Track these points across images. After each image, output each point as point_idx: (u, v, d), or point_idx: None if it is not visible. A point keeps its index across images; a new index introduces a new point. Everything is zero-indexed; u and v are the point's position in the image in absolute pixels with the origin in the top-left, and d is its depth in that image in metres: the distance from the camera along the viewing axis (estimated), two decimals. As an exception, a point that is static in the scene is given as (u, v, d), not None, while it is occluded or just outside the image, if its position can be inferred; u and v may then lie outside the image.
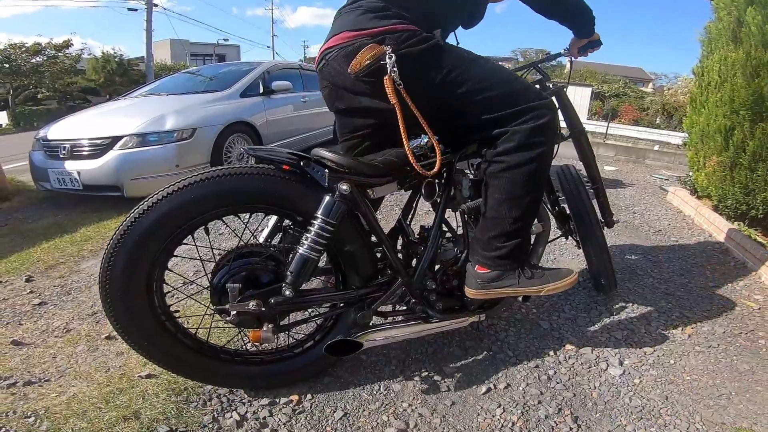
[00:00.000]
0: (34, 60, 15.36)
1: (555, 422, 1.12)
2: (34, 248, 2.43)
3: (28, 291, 1.90)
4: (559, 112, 1.49)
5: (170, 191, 1.00)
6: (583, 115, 11.16)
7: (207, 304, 1.21)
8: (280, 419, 1.13)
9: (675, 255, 2.28)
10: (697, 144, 2.84)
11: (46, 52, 15.63)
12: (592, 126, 11.56)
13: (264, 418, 1.13)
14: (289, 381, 1.24)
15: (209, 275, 1.15)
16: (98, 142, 2.98)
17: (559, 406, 1.17)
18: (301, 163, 1.05)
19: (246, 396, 1.20)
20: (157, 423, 1.08)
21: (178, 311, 1.21)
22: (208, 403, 1.17)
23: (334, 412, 1.15)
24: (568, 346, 1.44)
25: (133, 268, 1.01)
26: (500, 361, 1.37)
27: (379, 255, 1.22)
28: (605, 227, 1.70)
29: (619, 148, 7.67)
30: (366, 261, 1.18)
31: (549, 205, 1.59)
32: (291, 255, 1.08)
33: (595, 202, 1.67)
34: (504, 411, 1.16)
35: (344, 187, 1.05)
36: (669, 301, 1.76)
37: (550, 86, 1.59)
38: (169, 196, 0.99)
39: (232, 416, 1.12)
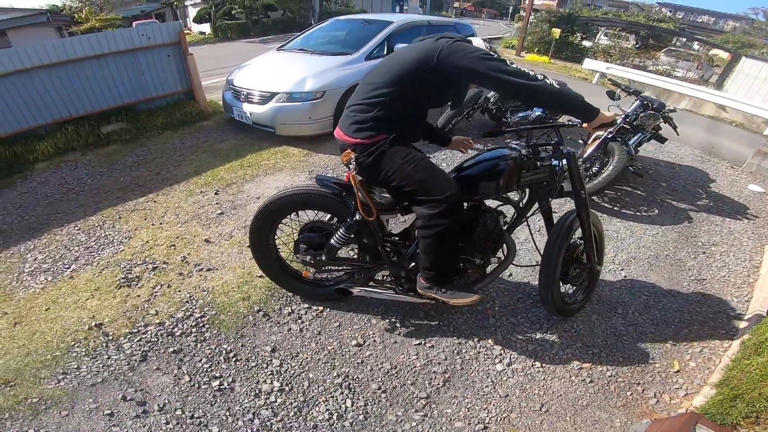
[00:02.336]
0: None
1: (435, 374, 1.96)
2: (220, 167, 3.92)
3: (215, 202, 3.31)
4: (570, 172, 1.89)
5: (280, 196, 2.00)
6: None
7: (290, 250, 2.28)
8: (309, 316, 2.24)
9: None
10: None
11: None
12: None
13: (302, 314, 2.25)
14: (321, 299, 2.32)
15: (294, 235, 2.20)
16: (263, 94, 4.28)
17: (446, 369, 1.99)
18: (343, 194, 1.93)
19: (298, 300, 2.33)
20: (255, 304, 2.30)
21: (279, 248, 2.31)
22: (281, 300, 2.34)
23: (334, 322, 2.21)
24: (490, 340, 2.14)
25: (262, 227, 2.09)
26: (441, 330, 2.19)
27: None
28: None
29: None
30: (373, 250, 2.07)
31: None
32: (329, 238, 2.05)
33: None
34: (417, 357, 2.04)
35: (357, 217, 1.91)
36: (605, 341, 2.18)
37: (564, 150, 1.93)
38: (280, 199, 2.01)
39: (288, 308, 2.28)
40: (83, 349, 1.99)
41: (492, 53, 1.60)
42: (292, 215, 2.11)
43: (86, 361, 1.93)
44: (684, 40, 15.66)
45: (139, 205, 3.29)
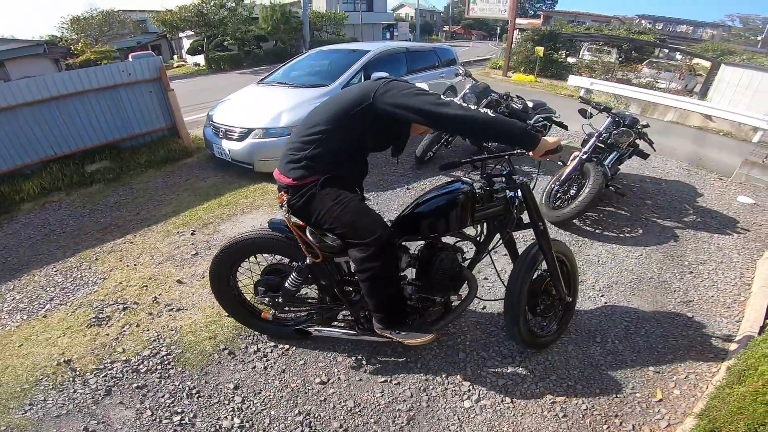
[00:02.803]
0: (220, 12, 18.07)
1: (400, 412, 1.89)
2: (199, 206, 3.93)
3: (191, 243, 3.31)
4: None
5: (233, 242, 2.00)
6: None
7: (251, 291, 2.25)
8: (275, 354, 2.20)
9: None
10: None
11: (228, 5, 18.25)
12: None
13: (268, 352, 2.21)
14: (283, 338, 2.27)
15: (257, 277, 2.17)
16: (240, 130, 4.32)
17: (411, 407, 1.92)
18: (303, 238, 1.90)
19: (265, 339, 2.28)
20: (221, 342, 2.26)
21: (242, 289, 2.28)
22: (247, 338, 2.29)
23: (300, 360, 2.16)
24: (459, 376, 2.07)
25: (220, 271, 2.09)
26: (408, 367, 2.13)
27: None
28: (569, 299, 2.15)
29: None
30: (330, 291, 2.03)
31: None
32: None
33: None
34: (381, 395, 1.98)
35: (308, 261, 1.88)
36: (582, 372, 2.09)
37: (517, 180, 1.88)
38: (233, 245, 2.00)
39: (254, 347, 2.24)
40: (51, 383, 2.05)
41: (426, 89, 1.60)
42: (252, 258, 2.11)
43: (53, 394, 1.99)
44: (666, 51, 15.94)
45: (117, 247, 3.31)
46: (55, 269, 3.03)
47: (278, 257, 2.20)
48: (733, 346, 2.26)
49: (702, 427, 1.67)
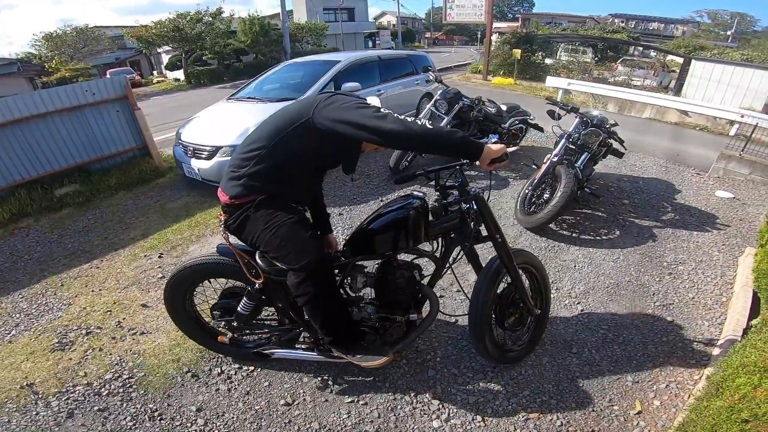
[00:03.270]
0: (197, 26, 17.87)
1: None
2: (168, 228, 3.82)
3: (158, 266, 3.20)
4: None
5: (182, 268, 1.91)
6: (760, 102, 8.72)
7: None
8: (239, 377, 2.12)
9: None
10: None
11: (205, 20, 18.09)
12: None
13: (232, 374, 2.13)
14: (244, 359, 2.18)
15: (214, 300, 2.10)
16: (208, 149, 4.22)
17: (378, 428, 1.84)
18: (244, 261, 1.80)
19: (229, 361, 2.20)
20: (185, 365, 2.18)
21: (200, 313, 2.19)
22: (211, 361, 2.21)
23: (264, 381, 2.08)
24: (428, 394, 1.99)
25: (174, 296, 2.00)
26: (375, 386, 2.04)
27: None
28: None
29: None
30: (286, 313, 1.95)
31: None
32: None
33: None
34: (348, 416, 1.90)
35: (257, 285, 1.80)
36: (557, 385, 2.03)
37: (470, 191, 1.80)
38: (182, 270, 1.91)
39: (217, 369, 2.16)
40: (14, 405, 2.05)
41: (366, 102, 1.54)
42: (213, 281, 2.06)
43: (16, 416, 1.99)
44: (640, 48, 16.19)
45: (83, 272, 3.22)
46: (21, 296, 2.97)
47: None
48: (715, 351, 2.20)
49: (676, 442, 1.61)
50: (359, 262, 1.88)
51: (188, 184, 4.78)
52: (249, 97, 5.05)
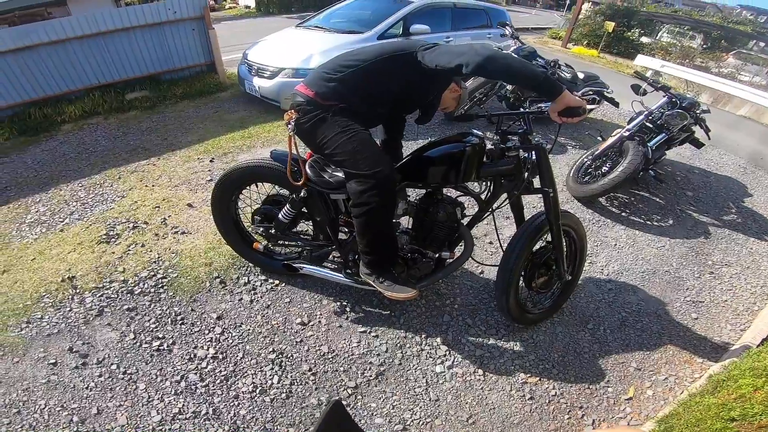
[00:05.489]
0: None
1: (371, 365, 1.89)
2: (222, 136, 4.00)
3: (207, 170, 3.38)
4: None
5: (234, 168, 2.00)
6: None
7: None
8: (264, 289, 2.24)
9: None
10: None
11: None
12: None
13: (257, 285, 2.26)
14: (271, 271, 2.30)
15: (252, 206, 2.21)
16: (271, 68, 4.30)
17: (383, 362, 1.92)
18: (294, 169, 1.87)
19: (258, 272, 2.33)
20: (215, 270, 2.33)
21: (240, 217, 2.31)
22: (241, 269, 2.35)
23: (286, 297, 2.20)
24: (439, 339, 2.03)
25: (221, 197, 2.11)
26: (390, 321, 2.11)
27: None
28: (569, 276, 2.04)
29: None
30: (323, 228, 2.02)
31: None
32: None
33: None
34: (357, 345, 1.99)
35: (302, 193, 1.86)
36: (563, 356, 2.01)
37: (533, 140, 1.74)
38: (234, 171, 2.01)
39: (245, 278, 2.29)
40: (51, 300, 2.11)
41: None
42: (261, 187, 2.13)
43: (50, 312, 2.05)
44: (762, 44, 14.03)
45: (140, 168, 3.44)
46: (80, 185, 3.18)
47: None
48: (726, 355, 2.10)
49: (654, 433, 1.56)
50: (403, 189, 1.89)
51: (248, 100, 4.93)
52: (316, 26, 5.01)
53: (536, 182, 1.82)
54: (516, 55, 4.32)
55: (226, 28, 10.35)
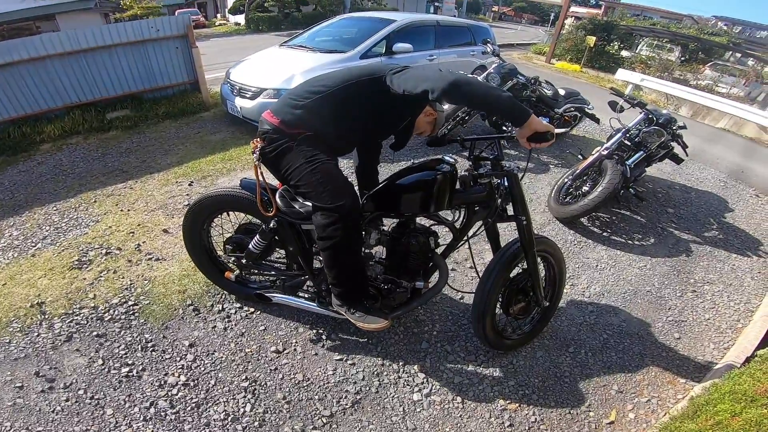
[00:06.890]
0: None
1: (347, 393, 1.84)
2: (203, 158, 3.95)
3: (186, 193, 3.33)
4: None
5: (204, 197, 1.96)
6: None
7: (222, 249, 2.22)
8: (238, 317, 2.19)
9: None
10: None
11: None
12: None
13: (232, 313, 2.20)
14: (245, 299, 2.24)
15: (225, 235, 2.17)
16: (253, 89, 4.27)
17: (359, 390, 1.86)
18: (265, 198, 1.83)
19: (232, 299, 2.27)
20: (189, 298, 2.27)
21: (213, 246, 2.26)
22: (215, 297, 2.29)
23: (261, 325, 2.14)
24: (416, 366, 1.98)
25: (192, 225, 2.07)
26: (367, 348, 2.06)
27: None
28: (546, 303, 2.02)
29: None
30: (295, 258, 1.97)
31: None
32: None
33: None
34: (333, 373, 1.93)
35: (272, 224, 1.82)
36: (543, 381, 1.98)
37: (504, 166, 1.69)
38: (203, 200, 1.96)
39: (219, 306, 2.23)
40: (19, 325, 2.08)
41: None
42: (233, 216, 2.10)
43: (18, 337, 2.02)
44: (739, 55, 14.47)
45: (117, 191, 3.39)
46: (55, 208, 3.13)
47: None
48: (709, 375, 2.08)
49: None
50: (376, 219, 1.86)
51: (231, 121, 4.91)
52: (300, 46, 5.02)
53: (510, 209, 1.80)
54: (484, 80, 4.37)
55: (213, 46, 10.41)
